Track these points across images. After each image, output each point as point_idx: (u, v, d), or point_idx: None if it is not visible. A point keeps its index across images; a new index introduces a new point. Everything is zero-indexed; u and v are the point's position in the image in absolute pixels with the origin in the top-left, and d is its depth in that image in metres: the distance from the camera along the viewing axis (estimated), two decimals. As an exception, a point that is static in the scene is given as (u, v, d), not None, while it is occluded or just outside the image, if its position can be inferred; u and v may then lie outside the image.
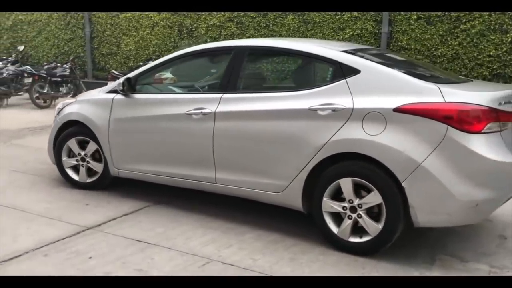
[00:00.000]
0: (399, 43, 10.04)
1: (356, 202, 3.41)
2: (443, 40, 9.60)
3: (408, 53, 9.95)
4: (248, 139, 3.79)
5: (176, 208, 4.34)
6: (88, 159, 4.72)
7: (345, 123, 3.39)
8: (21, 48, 13.57)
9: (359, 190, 3.43)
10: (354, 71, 3.48)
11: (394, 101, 3.27)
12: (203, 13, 12.13)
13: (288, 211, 3.83)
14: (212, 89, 4.16)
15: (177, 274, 3.12)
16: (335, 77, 3.57)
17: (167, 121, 4.15)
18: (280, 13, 11.16)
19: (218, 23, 11.98)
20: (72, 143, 4.76)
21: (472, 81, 4.22)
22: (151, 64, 4.46)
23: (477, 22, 9.32)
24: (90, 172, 4.77)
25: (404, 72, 3.45)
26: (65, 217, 4.06)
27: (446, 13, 9.50)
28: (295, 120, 3.58)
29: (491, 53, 9.19)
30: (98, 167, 4.69)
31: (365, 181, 3.36)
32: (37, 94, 10.62)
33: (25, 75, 11.06)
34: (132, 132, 4.38)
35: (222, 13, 11.86)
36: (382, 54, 4.34)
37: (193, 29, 12.34)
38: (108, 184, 4.74)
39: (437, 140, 3.15)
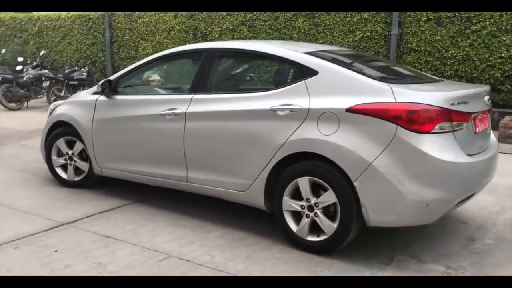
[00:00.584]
0: (409, 45, 9.94)
1: (313, 201, 3.45)
2: (454, 41, 9.44)
3: (418, 55, 9.85)
4: (215, 139, 3.89)
5: (153, 206, 4.46)
6: (75, 158, 4.91)
7: (302, 123, 3.44)
8: (41, 52, 14.06)
9: (317, 189, 3.46)
10: (312, 72, 3.53)
11: (347, 102, 3.30)
12: (217, 17, 12.31)
13: (257, 210, 3.89)
14: (184, 90, 4.27)
15: (133, 269, 3.23)
16: (295, 78, 3.62)
17: (143, 122, 4.29)
18: (291, 16, 11.22)
19: (231, 27, 12.12)
20: (61, 143, 4.97)
21: (442, 80, 4.22)
22: (130, 66, 4.62)
23: (488, 23, 9.14)
24: (77, 171, 4.96)
25: (361, 73, 3.47)
26: (45, 213, 4.24)
27: (457, 14, 9.35)
28: (257, 120, 3.65)
29: (503, 55, 8.99)
30: (84, 166, 4.87)
31: (321, 180, 3.39)
32: (55, 97, 11.01)
33: (43, 78, 11.48)
34: (113, 132, 4.54)
35: (235, 16, 12.00)
36: (350, 55, 4.36)
37: (207, 33, 12.53)
38: (94, 182, 4.92)
39: (387, 140, 3.16)
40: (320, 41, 10.86)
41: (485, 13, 9.17)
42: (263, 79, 4.18)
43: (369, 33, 10.31)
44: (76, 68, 12.31)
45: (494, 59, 9.15)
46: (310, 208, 3.47)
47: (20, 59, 14.20)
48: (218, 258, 3.43)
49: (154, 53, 13.25)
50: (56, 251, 3.50)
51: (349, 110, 3.27)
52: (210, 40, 12.34)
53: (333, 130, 3.32)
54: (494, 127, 8.79)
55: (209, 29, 12.49)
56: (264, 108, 3.61)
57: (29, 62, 13.82)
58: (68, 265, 3.27)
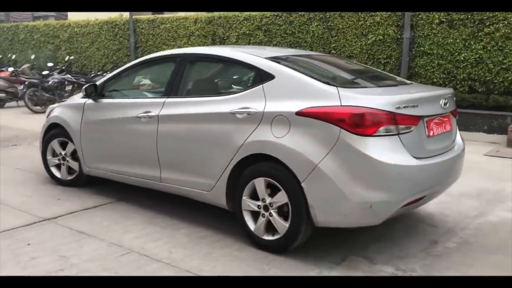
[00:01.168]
0: (421, 48, 9.84)
1: (268, 201, 3.56)
2: (466, 44, 9.30)
3: (431, 58, 9.74)
4: (184, 140, 4.06)
5: (134, 205, 4.67)
6: (68, 159, 5.19)
7: (258, 126, 3.56)
8: (67, 58, 14.67)
9: (274, 190, 3.57)
10: (270, 77, 3.65)
11: (298, 105, 3.40)
12: (234, 22, 12.52)
13: (226, 210, 4.02)
14: (160, 94, 4.46)
15: (93, 262, 3.42)
16: (255, 83, 3.75)
17: (123, 124, 4.51)
18: (305, 20, 11.31)
19: (247, 32, 12.31)
20: (55, 144, 5.27)
21: (411, 84, 4.26)
22: (115, 71, 4.87)
23: (501, 24, 8.96)
24: (70, 170, 5.24)
25: (315, 78, 3.55)
26: (32, 210, 4.51)
27: (469, 16, 9.20)
28: (219, 123, 3.80)
29: (517, 57, 8.81)
30: (75, 166, 5.14)
31: (274, 181, 3.50)
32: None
33: (66, 83, 12.00)
34: (98, 134, 4.79)
35: (251, 21, 12.18)
36: (320, 60, 4.46)
37: (225, 38, 12.76)
38: (85, 181, 5.18)
39: (332, 142, 3.24)
40: (333, 45, 10.90)
41: (499, 14, 9.00)
42: (228, 83, 4.32)
43: (381, 37, 10.27)
44: (100, 72, 12.78)
45: (508, 61, 8.95)
46: (266, 208, 3.58)
47: (50, 64, 14.88)
48: (177, 254, 3.59)
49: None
50: (29, 244, 3.74)
51: (298, 113, 3.38)
52: (229, 45, 12.57)
53: (284, 133, 3.42)
54: (504, 131, 8.63)
55: (226, 34, 12.72)
56: (225, 111, 3.75)
57: (58, 67, 14.45)
58: (34, 257, 3.50)
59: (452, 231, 4.10)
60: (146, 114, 4.27)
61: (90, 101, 4.85)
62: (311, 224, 3.43)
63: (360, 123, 3.19)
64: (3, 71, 14.07)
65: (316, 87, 3.45)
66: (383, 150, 3.22)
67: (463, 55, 9.36)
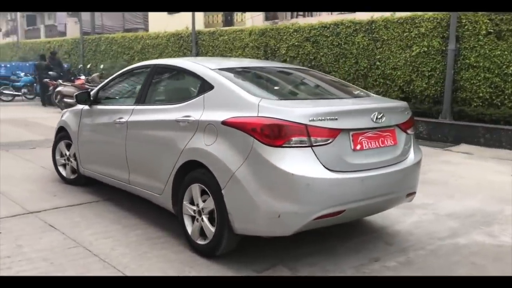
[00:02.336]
0: (467, 60, 9.37)
1: (200, 206, 3.69)
2: (515, 56, 8.68)
3: (477, 71, 9.20)
4: (144, 145, 4.31)
5: (115, 205, 4.97)
6: (71, 159, 5.67)
7: (194, 134, 3.71)
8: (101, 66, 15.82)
9: (206, 196, 3.68)
10: (210, 87, 3.79)
11: (225, 115, 3.50)
12: (285, 34, 12.69)
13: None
14: (133, 101, 4.74)
15: (41, 252, 3.75)
16: (199, 92, 3.91)
17: (103, 128, 4.87)
18: (351, 31, 11.19)
19: (296, 43, 12.41)
20: (62, 145, 5.78)
21: (368, 96, 4.16)
22: (106, 80, 5.26)
23: (554, 35, 8.27)
24: (73, 170, 5.70)
25: (247, 89, 3.61)
26: (25, 203, 4.99)
27: (519, 26, 8.60)
28: (167, 130, 4.00)
29: None
30: (76, 165, 5.61)
31: (205, 187, 3.62)
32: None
33: None
34: (88, 137, 5.20)
35: (300, 33, 12.27)
36: (271, 71, 4.56)
37: (276, 49, 12.96)
38: (85, 181, 5.59)
39: (247, 151, 3.30)
40: (378, 56, 10.68)
41: (551, 24, 8.31)
42: (180, 92, 4.50)
43: (426, 48, 9.90)
44: None
45: (561, 76, 8.23)
46: (199, 213, 3.70)
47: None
48: (116, 252, 3.80)
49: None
50: (0, 232, 4.19)
51: (223, 123, 3.48)
52: (278, 56, 12.75)
53: (213, 141, 3.54)
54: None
55: (277, 45, 12.92)
56: (172, 119, 3.95)
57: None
58: (-5, 243, 3.93)
59: (404, 251, 3.93)
60: (119, 120, 4.59)
61: (86, 107, 5.28)
62: (232, 231, 3.49)
63: (270, 134, 3.23)
64: (78, 79, 15.37)
65: (242, 98, 3.53)
66: (293, 161, 3.22)
67: (511, 68, 8.75)
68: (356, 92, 4.25)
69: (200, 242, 3.72)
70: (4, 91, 16.73)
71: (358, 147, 3.48)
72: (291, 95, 3.96)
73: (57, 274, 3.37)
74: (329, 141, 3.31)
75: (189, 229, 3.82)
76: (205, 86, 3.84)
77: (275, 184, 3.23)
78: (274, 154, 3.22)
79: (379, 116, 3.56)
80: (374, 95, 4.42)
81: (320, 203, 3.28)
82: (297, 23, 12.69)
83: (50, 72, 15.79)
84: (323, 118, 3.30)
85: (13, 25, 36.98)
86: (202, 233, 3.72)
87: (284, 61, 12.41)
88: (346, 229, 4.36)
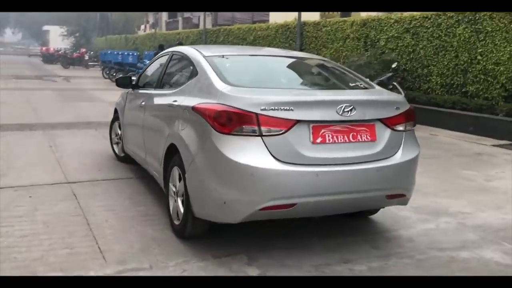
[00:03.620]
0: None
1: (177, 188, 3.79)
2: None
3: None
4: (151, 128, 4.55)
5: (141, 182, 5.28)
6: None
7: (176, 118, 3.82)
8: None
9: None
10: (196, 73, 3.87)
11: (196, 101, 3.54)
12: (385, 25, 12.11)
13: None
14: (154, 86, 4.97)
15: (47, 216, 4.17)
16: (189, 78, 4.00)
17: (134, 111, 5.22)
18: (452, 22, 10.30)
19: (396, 34, 11.77)
20: (115, 125, 6.31)
21: (370, 88, 3.88)
22: (145, 67, 5.64)
23: None
24: (123, 148, 6.20)
25: (222, 77, 3.60)
26: (70, 174, 5.56)
27: None
28: (163, 114, 4.19)
29: None
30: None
31: (180, 170, 3.71)
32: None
33: None
34: (127, 118, 5.61)
35: (401, 24, 11.61)
36: (269, 59, 4.50)
37: (375, 41, 12.44)
38: (131, 159, 6.05)
39: (204, 138, 3.32)
40: (480, 50, 9.67)
41: None
42: (179, 78, 4.57)
43: (534, 41, 8.70)
44: None
45: None
46: (176, 195, 3.82)
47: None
48: (107, 224, 4.06)
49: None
50: (30, 196, 4.75)
51: (193, 108, 3.53)
52: (377, 48, 12.22)
53: (185, 126, 3.62)
54: None
55: (377, 36, 12.37)
56: (166, 103, 4.11)
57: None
58: (13, 203, 4.45)
59: (386, 257, 3.61)
60: (141, 103, 4.89)
61: (130, 90, 5.70)
62: (194, 215, 3.53)
63: (221, 121, 3.21)
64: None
65: (212, 84, 3.53)
66: (240, 149, 3.16)
67: None
68: (353, 84, 3.97)
69: (176, 222, 3.83)
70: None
71: (319, 140, 3.28)
72: (266, 84, 3.84)
73: (44, 236, 3.76)
74: (281, 132, 3.18)
75: (170, 209, 3.96)
76: (194, 72, 3.93)
77: (222, 171, 3.22)
78: (223, 141, 3.20)
79: (347, 109, 3.31)
80: (377, 87, 4.07)
81: (266, 194, 3.18)
82: (398, 14, 11.98)
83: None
84: (276, 108, 3.18)
85: (156, 18, 40.55)
86: (180, 214, 3.83)
87: (382, 53, 11.84)
88: (339, 227, 4.16)
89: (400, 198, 3.64)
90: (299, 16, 15.12)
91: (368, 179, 3.39)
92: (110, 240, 3.75)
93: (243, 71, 3.98)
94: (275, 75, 4.14)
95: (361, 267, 3.43)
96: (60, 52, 34.01)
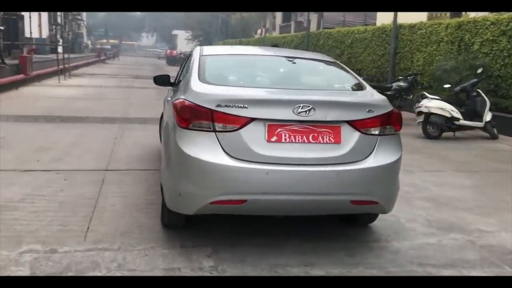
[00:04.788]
0: None
1: (162, 179, 4.01)
2: None
3: None
4: (165, 122, 4.81)
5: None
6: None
7: (169, 114, 4.01)
8: None
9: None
10: (188, 72, 4.04)
11: (178, 98, 3.68)
12: (481, 27, 11.22)
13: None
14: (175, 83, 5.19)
15: (66, 197, 4.65)
16: (186, 76, 4.16)
17: (166, 106, 5.54)
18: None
19: (491, 38, 10.84)
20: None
21: (360, 90, 3.76)
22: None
23: None
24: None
25: (201, 74, 3.72)
26: (113, 163, 6.04)
27: None
28: (166, 109, 4.43)
29: None
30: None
31: (162, 162, 3.92)
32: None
33: None
34: (164, 113, 5.96)
35: (497, 26, 10.67)
36: (265, 59, 4.51)
37: (470, 44, 11.58)
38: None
39: (172, 132, 3.48)
40: None
41: None
42: (184, 76, 4.73)
43: None
44: (401, 78, 12.78)
45: None
46: (163, 186, 4.02)
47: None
48: (112, 208, 4.37)
49: (424, 65, 12.99)
50: (65, 179, 5.29)
51: (173, 104, 3.69)
52: (471, 52, 11.37)
53: (168, 121, 3.82)
54: None
55: (472, 40, 11.49)
56: (169, 99, 4.34)
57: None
58: (41, 185, 5.01)
59: (354, 266, 3.43)
60: (168, 98, 5.19)
61: (171, 87, 6.05)
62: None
63: (181, 115, 3.34)
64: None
65: (190, 82, 3.65)
66: (194, 144, 3.26)
67: None
68: (339, 85, 3.84)
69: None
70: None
71: (274, 139, 3.25)
72: (240, 83, 3.86)
73: (51, 213, 4.19)
74: (235, 129, 3.22)
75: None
76: (189, 70, 4.11)
77: (179, 164, 3.36)
78: (181, 136, 3.34)
79: (304, 109, 3.23)
80: (368, 89, 3.84)
81: (217, 189, 3.23)
82: (496, 15, 10.98)
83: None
84: (230, 105, 3.23)
85: (272, 22, 41.56)
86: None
87: (474, 58, 10.94)
88: (326, 233, 4.04)
89: (371, 205, 3.45)
90: (395, 18, 14.54)
91: (326, 182, 3.27)
92: (102, 223, 4.06)
93: (227, 70, 4.06)
94: (257, 74, 4.15)
95: (319, 272, 3.33)
96: (180, 55, 36.49)
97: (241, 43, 37.33)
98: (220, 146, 3.23)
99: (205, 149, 3.24)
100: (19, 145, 6.82)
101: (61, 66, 19.13)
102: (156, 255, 3.48)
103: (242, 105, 3.23)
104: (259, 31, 44.06)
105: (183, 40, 56.35)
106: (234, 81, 3.90)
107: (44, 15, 31.08)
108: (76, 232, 3.82)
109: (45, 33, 31.94)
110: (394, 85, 11.40)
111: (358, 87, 3.86)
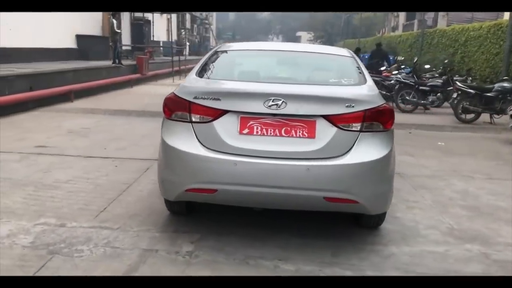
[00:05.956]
0: None
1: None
2: None
3: None
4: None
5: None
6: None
7: None
8: (415, 59, 14.66)
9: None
10: None
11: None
12: None
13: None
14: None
15: (97, 179, 5.11)
16: None
17: None
18: None
19: None
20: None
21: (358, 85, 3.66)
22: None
23: None
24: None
25: (199, 69, 3.87)
26: (137, 154, 6.44)
27: None
28: None
29: None
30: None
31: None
32: (400, 100, 12.12)
33: (385, 82, 12.68)
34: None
35: None
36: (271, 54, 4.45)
37: None
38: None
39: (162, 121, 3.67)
40: None
41: None
42: None
43: None
44: (506, 78, 12.07)
45: None
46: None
47: (427, 66, 15.54)
48: (121, 188, 4.77)
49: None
50: (116, 166, 5.77)
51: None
52: None
53: None
54: None
55: None
56: None
57: (433, 69, 14.81)
58: (92, 169, 5.53)
59: (329, 264, 3.32)
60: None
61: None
62: None
63: (166, 107, 3.51)
64: (386, 70, 15.88)
65: (188, 76, 3.85)
66: (173, 133, 3.43)
67: None
68: (335, 80, 3.71)
69: None
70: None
71: (246, 131, 3.27)
72: (230, 77, 3.89)
73: (83, 194, 4.62)
74: (209, 120, 3.31)
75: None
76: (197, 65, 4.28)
77: (162, 152, 3.56)
78: (165, 126, 3.55)
79: (276, 103, 3.21)
80: (369, 84, 3.62)
81: (190, 177, 3.35)
82: None
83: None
84: (205, 97, 3.33)
85: (396, 21, 40.03)
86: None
87: None
88: (327, 231, 3.93)
89: (350, 204, 3.28)
90: (511, 14, 13.20)
91: (295, 176, 3.20)
92: (120, 205, 4.39)
93: (229, 65, 4.15)
94: (255, 69, 4.18)
95: (290, 267, 3.28)
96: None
97: (359, 43, 36.57)
98: (195, 137, 3.35)
99: (182, 139, 3.38)
100: (98, 135, 7.58)
101: (176, 68, 20.52)
102: (146, 237, 3.70)
103: (215, 97, 3.32)
104: (382, 30, 42.75)
105: (305, 41, 56.90)
106: (227, 75, 3.97)
107: (174, 20, 33.57)
108: (92, 211, 4.19)
109: (173, 37, 34.52)
110: (497, 86, 10.42)
111: (357, 83, 3.68)
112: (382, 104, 3.35)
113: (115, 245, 3.54)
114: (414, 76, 12.85)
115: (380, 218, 3.83)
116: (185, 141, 3.37)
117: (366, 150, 3.25)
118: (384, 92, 12.65)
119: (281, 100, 3.23)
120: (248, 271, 3.22)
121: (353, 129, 3.25)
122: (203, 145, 3.33)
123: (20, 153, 6.14)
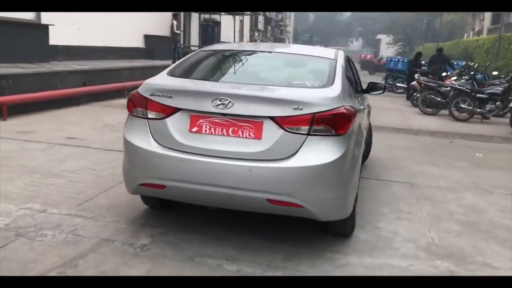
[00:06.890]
0: None
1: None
2: None
3: None
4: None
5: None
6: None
7: None
8: (469, 63, 13.92)
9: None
10: None
11: None
12: None
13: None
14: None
15: (107, 169, 5.34)
16: None
17: None
18: None
19: None
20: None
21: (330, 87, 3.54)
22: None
23: None
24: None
25: (172, 68, 3.94)
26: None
27: None
28: None
29: None
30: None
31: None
32: (455, 108, 11.44)
33: (442, 89, 11.97)
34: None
35: None
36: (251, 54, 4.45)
37: None
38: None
39: None
40: None
41: None
42: None
43: None
44: (498, 82, 11.83)
45: None
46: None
47: (495, 73, 14.35)
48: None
49: None
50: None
51: None
52: None
53: None
54: None
55: None
56: None
57: (501, 76, 13.75)
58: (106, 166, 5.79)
59: (273, 268, 3.24)
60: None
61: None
62: None
63: (128, 102, 3.62)
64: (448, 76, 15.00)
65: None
66: (131, 129, 3.54)
67: None
68: (299, 82, 3.62)
69: None
70: (397, 84, 18.48)
71: (195, 129, 3.30)
72: (189, 75, 3.87)
73: (91, 185, 4.83)
74: (161, 117, 3.37)
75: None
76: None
77: (124, 148, 3.65)
78: (126, 121, 3.66)
79: (223, 102, 3.21)
80: (334, 88, 3.48)
81: (143, 172, 3.44)
82: None
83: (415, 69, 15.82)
84: (160, 94, 3.39)
85: (481, 24, 37.84)
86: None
87: None
88: (293, 234, 3.84)
89: (295, 208, 3.18)
90: None
91: (238, 176, 3.16)
92: (108, 197, 4.55)
93: (195, 65, 4.15)
94: (222, 69, 4.18)
95: (231, 267, 3.26)
96: (380, 59, 35.63)
97: (437, 46, 34.94)
98: (149, 133, 3.43)
99: (138, 134, 3.48)
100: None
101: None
102: (111, 228, 3.82)
103: (167, 95, 3.38)
104: (466, 34, 40.54)
105: (384, 45, 55.27)
106: (188, 74, 3.95)
107: (247, 22, 34.10)
108: (78, 200, 4.40)
109: (246, 39, 35.05)
110: None
111: (320, 85, 3.56)
112: (336, 108, 3.22)
113: (79, 233, 3.70)
114: (474, 82, 12.09)
115: (346, 225, 3.68)
116: (141, 137, 3.45)
117: (313, 154, 3.14)
118: (439, 99, 12.08)
119: (228, 100, 3.22)
120: (190, 269, 3.23)
121: (300, 132, 3.15)
122: (157, 142, 3.39)
123: (48, 143, 6.56)
